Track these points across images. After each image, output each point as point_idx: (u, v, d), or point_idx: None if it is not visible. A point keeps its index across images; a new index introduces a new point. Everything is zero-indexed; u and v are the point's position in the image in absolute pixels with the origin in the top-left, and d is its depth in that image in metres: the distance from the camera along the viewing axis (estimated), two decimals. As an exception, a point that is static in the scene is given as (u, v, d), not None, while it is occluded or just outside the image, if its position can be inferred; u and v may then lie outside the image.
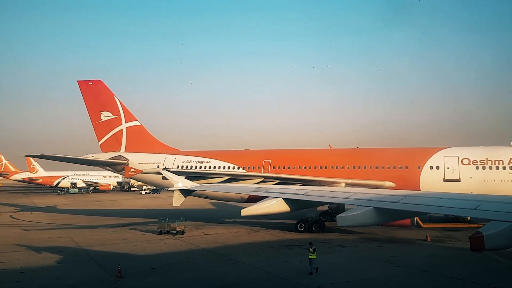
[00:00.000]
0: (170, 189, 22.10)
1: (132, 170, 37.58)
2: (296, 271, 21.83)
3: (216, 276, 21.72)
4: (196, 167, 39.60)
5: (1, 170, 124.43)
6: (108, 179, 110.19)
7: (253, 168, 37.97)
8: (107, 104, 44.38)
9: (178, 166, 40.19)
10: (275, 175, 32.70)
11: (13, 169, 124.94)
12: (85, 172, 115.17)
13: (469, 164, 32.50)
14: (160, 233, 35.08)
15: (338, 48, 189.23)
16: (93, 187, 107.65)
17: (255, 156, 39.57)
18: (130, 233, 36.00)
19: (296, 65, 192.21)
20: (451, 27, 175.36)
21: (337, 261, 24.43)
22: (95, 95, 44.61)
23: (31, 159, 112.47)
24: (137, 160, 42.17)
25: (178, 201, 20.66)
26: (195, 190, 21.00)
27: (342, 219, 12.71)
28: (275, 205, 15.54)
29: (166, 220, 35.50)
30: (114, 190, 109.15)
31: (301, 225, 33.94)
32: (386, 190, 15.27)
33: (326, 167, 36.24)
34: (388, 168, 34.49)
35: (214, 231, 36.35)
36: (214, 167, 38.72)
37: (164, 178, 31.42)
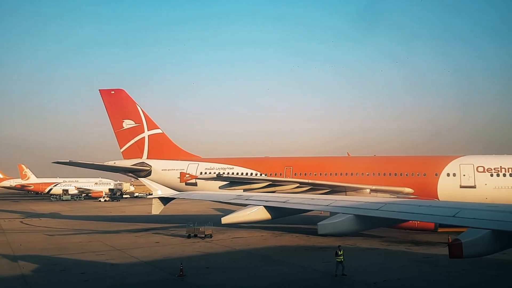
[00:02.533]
0: (149, 196, 22.20)
1: (187, 175, 38.62)
2: (347, 270, 23.44)
3: (271, 274, 23.12)
4: (219, 173, 40.85)
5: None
6: (99, 186, 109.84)
7: (275, 174, 39.47)
8: (129, 113, 45.40)
9: (201, 173, 41.43)
10: (310, 181, 34.27)
11: (1, 176, 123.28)
12: (74, 179, 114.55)
13: (484, 171, 34.75)
14: (189, 236, 36.20)
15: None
16: (85, 194, 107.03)
17: (276, 163, 41.12)
18: (158, 237, 36.95)
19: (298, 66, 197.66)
20: (426, 34, 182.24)
21: (376, 262, 26.12)
22: (117, 103, 45.59)
23: (23, 165, 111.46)
24: (160, 166, 43.25)
25: (157, 209, 20.32)
26: (175, 198, 20.97)
27: (323, 226, 12.60)
28: (255, 213, 15.10)
29: (195, 225, 36.65)
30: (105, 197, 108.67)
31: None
32: (367, 197, 15.58)
33: (346, 174, 37.99)
34: (407, 175, 36.47)
35: (239, 235, 37.61)
36: (237, 174, 40.06)
37: (221, 187, 32.84)
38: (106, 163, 44.89)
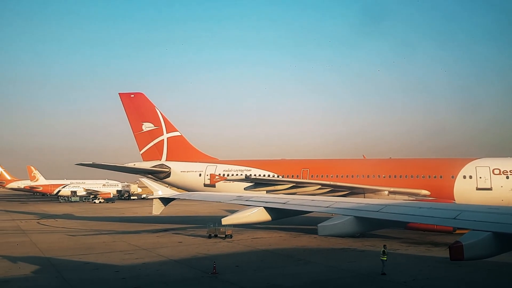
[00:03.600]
0: (150, 197, 22.05)
1: (217, 177, 39.41)
2: (371, 270, 24.17)
3: (301, 273, 23.84)
4: (237, 175, 41.66)
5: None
6: (107, 187, 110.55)
7: (292, 176, 40.20)
8: (149, 116, 46.30)
9: (219, 174, 42.23)
10: (331, 183, 35.01)
11: (9, 178, 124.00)
12: (81, 181, 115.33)
13: (500, 174, 35.47)
14: (210, 237, 36.92)
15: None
16: (93, 196, 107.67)
17: (293, 165, 41.88)
18: (179, 237, 37.65)
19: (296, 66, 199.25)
20: (425, 37, 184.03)
21: (400, 262, 26.76)
22: (137, 107, 46.46)
23: (32, 167, 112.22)
24: (179, 168, 44.07)
25: (157, 209, 20.18)
26: (175, 199, 20.88)
27: (323, 228, 12.34)
28: (256, 214, 14.99)
29: (215, 225, 37.39)
30: (113, 198, 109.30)
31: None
32: (367, 199, 15.16)
33: (362, 176, 38.72)
34: (423, 177, 37.19)
35: (258, 235, 38.30)
36: (255, 175, 40.81)
37: (246, 188, 33.63)
38: (126, 165, 45.70)
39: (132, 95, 47.00)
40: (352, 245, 32.51)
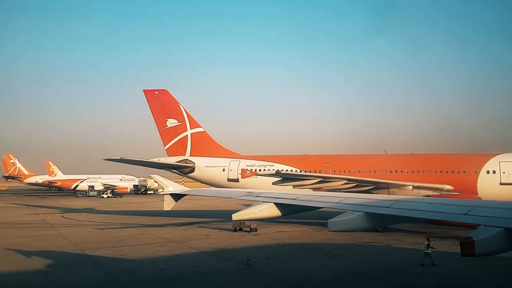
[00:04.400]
0: (161, 193, 21.97)
1: (248, 172, 40.18)
2: (400, 263, 24.70)
3: (332, 265, 24.38)
4: (259, 170, 42.32)
5: (15, 174, 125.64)
6: (124, 182, 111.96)
7: (314, 171, 40.71)
8: (173, 112, 47.15)
9: (252, 170, 43.01)
10: (357, 178, 35.49)
11: (26, 173, 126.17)
12: (98, 176, 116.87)
13: (524, 168, 35.68)
14: (235, 230, 37.68)
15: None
16: (110, 190, 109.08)
17: (315, 160, 42.40)
18: (205, 231, 38.44)
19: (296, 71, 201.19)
20: (437, 34, 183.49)
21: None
22: (161, 103, 47.31)
23: (50, 162, 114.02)
24: (203, 163, 44.90)
25: (168, 205, 20.16)
26: (186, 195, 20.68)
27: (333, 224, 12.26)
28: (266, 210, 14.96)
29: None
30: (130, 193, 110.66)
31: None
32: (378, 195, 14.73)
33: (385, 171, 39.10)
34: (447, 172, 37.48)
35: (281, 229, 38.91)
36: (278, 170, 41.38)
37: (275, 183, 34.32)
38: (151, 160, 46.62)
39: (157, 92, 47.87)
40: (377, 239, 32.99)
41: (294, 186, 35.01)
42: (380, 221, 12.75)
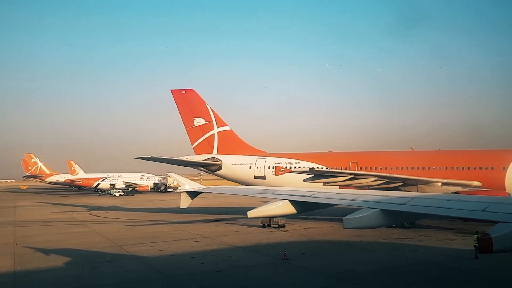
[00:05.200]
0: (177, 191, 22.20)
1: (282, 169, 40.91)
2: (435, 258, 25.08)
3: (368, 260, 24.83)
4: (286, 167, 42.89)
5: (37, 173, 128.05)
6: (145, 180, 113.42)
7: (341, 168, 41.10)
8: (200, 111, 48.11)
9: (269, 167, 43.59)
10: (387, 174, 35.88)
11: (48, 172, 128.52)
12: (118, 174, 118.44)
13: (552, 164, 35.65)
14: (264, 226, 38.29)
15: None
16: (131, 188, 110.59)
17: (341, 158, 42.83)
18: (234, 227, 39.13)
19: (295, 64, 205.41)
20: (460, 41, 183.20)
21: (463, 250, 27.50)
22: (188, 102, 48.27)
23: (72, 161, 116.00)
24: (230, 161, 45.70)
25: (185, 203, 20.15)
26: (202, 192, 20.85)
27: (348, 221, 12.30)
28: (281, 207, 14.95)
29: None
30: (151, 191, 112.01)
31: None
32: (394, 192, 14.53)
33: (412, 168, 39.30)
34: (475, 168, 37.58)
35: (309, 225, 39.41)
36: (303, 167, 41.89)
37: (306, 180, 34.93)
38: (179, 158, 47.57)
39: (184, 92, 48.78)
40: (407, 235, 33.31)
41: (324, 183, 35.52)
42: (396, 218, 12.73)
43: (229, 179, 47.62)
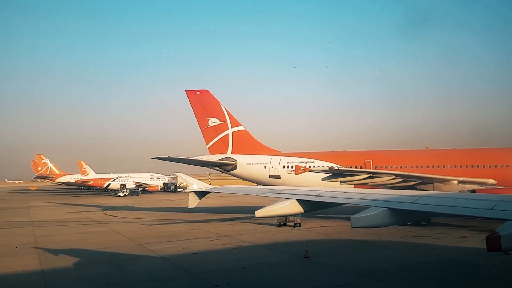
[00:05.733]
0: (185, 191, 22.09)
1: (301, 168, 41.31)
2: (459, 255, 25.36)
3: (391, 257, 25.08)
4: (305, 166, 43.29)
5: (47, 173, 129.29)
6: (155, 180, 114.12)
7: (355, 167, 41.36)
8: (214, 111, 48.62)
9: (283, 166, 43.97)
10: (404, 173, 36.13)
11: (58, 172, 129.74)
12: (127, 174, 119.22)
13: None
14: (280, 225, 38.64)
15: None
16: (141, 188, 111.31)
17: (355, 156, 43.13)
18: (250, 226, 39.46)
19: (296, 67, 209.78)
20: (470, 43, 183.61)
21: (483, 247, 27.76)
22: (203, 103, 48.81)
23: (83, 162, 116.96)
24: (245, 161, 46.15)
25: (193, 203, 20.08)
26: (210, 192, 20.87)
27: (356, 220, 12.20)
28: (289, 206, 14.93)
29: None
30: (161, 191, 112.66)
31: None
32: (402, 190, 14.45)
33: (427, 166, 39.53)
34: (490, 166, 37.75)
35: (324, 224, 39.64)
36: (318, 167, 42.25)
37: (324, 179, 35.32)
38: (194, 158, 48.10)
39: (198, 92, 49.30)
40: (424, 233, 33.55)
41: (341, 182, 35.85)
42: (405, 217, 12.75)
43: (244, 179, 48.09)
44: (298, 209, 15.09)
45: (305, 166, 41.26)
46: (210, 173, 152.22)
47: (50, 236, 37.07)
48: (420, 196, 12.45)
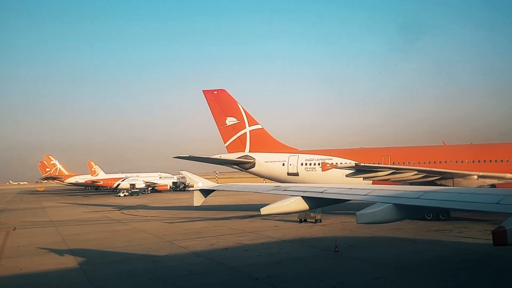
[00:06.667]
0: (191, 189, 22.21)
1: (328, 165, 41.92)
2: (485, 247, 25.77)
3: (418, 251, 25.66)
4: (319, 164, 43.86)
5: (56, 174, 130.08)
6: (164, 179, 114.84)
7: (373, 163, 41.88)
8: (232, 111, 49.29)
9: (302, 164, 44.55)
10: (427, 168, 36.67)
11: (67, 173, 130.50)
12: (136, 174, 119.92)
13: None
14: (300, 221, 39.22)
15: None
16: (151, 188, 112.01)
17: (373, 153, 43.65)
18: (271, 222, 39.94)
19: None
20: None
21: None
22: (220, 102, 49.46)
23: (92, 162, 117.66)
24: (263, 159, 46.77)
25: (198, 201, 20.10)
26: (215, 190, 20.81)
27: (362, 216, 12.33)
28: (294, 203, 14.89)
29: (305, 211, 39.63)
30: (170, 190, 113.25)
31: (429, 214, 37.70)
32: (407, 186, 14.45)
33: (445, 162, 40.00)
34: (507, 161, 38.21)
35: (344, 220, 40.04)
36: (336, 164, 42.83)
37: (348, 175, 35.88)
38: (213, 157, 48.77)
39: (215, 92, 49.95)
40: (445, 227, 34.08)
41: (364, 178, 36.39)
42: (410, 213, 12.80)
43: (262, 176, 48.72)
44: (304, 206, 15.12)
45: (332, 163, 41.83)
46: (216, 171, 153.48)
47: (76, 235, 37.70)
48: (425, 192, 12.57)
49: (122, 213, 57.45)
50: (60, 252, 29.27)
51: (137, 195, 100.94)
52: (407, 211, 12.48)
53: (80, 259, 26.56)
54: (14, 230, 42.34)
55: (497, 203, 10.63)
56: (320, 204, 16.51)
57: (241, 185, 23.39)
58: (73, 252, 29.07)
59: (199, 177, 22.06)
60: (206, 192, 20.35)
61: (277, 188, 17.29)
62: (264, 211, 15.91)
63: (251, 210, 48.05)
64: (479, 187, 35.92)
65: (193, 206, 21.56)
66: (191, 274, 21.58)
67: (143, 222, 45.67)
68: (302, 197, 14.91)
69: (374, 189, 14.12)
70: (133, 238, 33.90)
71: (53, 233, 39.75)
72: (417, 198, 12.12)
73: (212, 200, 66.82)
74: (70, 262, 26.07)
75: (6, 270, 24.15)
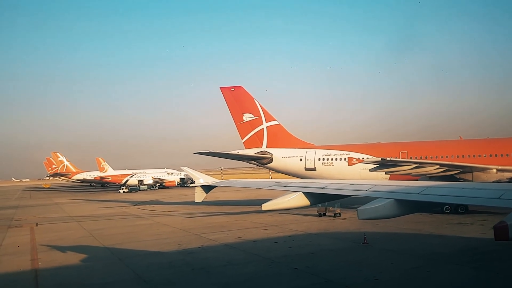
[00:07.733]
0: (192, 185, 22.20)
1: (354, 160, 42.55)
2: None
3: (442, 244, 26.05)
4: (337, 159, 44.50)
5: (64, 171, 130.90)
6: (171, 175, 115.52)
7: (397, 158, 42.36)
8: (249, 107, 49.98)
9: (319, 159, 45.20)
10: (448, 162, 37.25)
11: (74, 170, 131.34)
12: (142, 171, 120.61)
13: None
14: (320, 215, 39.92)
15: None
16: (159, 184, 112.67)
17: (390, 148, 44.22)
18: (290, 216, 40.46)
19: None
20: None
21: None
22: (237, 99, 50.19)
23: (101, 159, 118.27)
24: (280, 154, 47.49)
25: (199, 197, 19.99)
26: (216, 186, 20.70)
27: (362, 211, 12.25)
28: (295, 199, 14.80)
29: (324, 205, 40.30)
30: (177, 186, 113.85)
31: (447, 207, 38.33)
32: (408, 181, 14.46)
33: (462, 156, 40.62)
34: (525, 155, 38.90)
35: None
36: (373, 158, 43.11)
37: (372, 170, 36.45)
38: (231, 152, 49.54)
39: (232, 89, 50.62)
40: (465, 220, 34.72)
41: (386, 173, 37.00)
42: (411, 208, 12.73)
43: (279, 172, 49.40)
44: (305, 201, 15.05)
45: (358, 158, 42.44)
46: (222, 167, 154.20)
47: (101, 229, 38.35)
48: (427, 187, 12.58)
49: (138, 208, 58.16)
50: (93, 246, 29.98)
51: (136, 191, 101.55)
52: (408, 206, 12.45)
53: (115, 251, 27.29)
54: (36, 225, 42.99)
55: (498, 198, 10.69)
56: (321, 200, 16.75)
57: (242, 181, 23.68)
58: (105, 245, 29.74)
59: (200, 173, 22.03)
60: (207, 188, 20.35)
61: (278, 183, 17.16)
62: (265, 207, 15.75)
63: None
64: (497, 181, 36.63)
65: (207, 201, 21.63)
66: (230, 265, 22.30)
67: (163, 216, 46.31)
68: (303, 193, 14.87)
69: (375, 185, 14.12)
70: (158, 232, 34.60)
71: (77, 228, 40.47)
72: (418, 193, 12.16)
73: (223, 195, 67.99)
74: (105, 254, 26.77)
75: (46, 263, 24.79)
